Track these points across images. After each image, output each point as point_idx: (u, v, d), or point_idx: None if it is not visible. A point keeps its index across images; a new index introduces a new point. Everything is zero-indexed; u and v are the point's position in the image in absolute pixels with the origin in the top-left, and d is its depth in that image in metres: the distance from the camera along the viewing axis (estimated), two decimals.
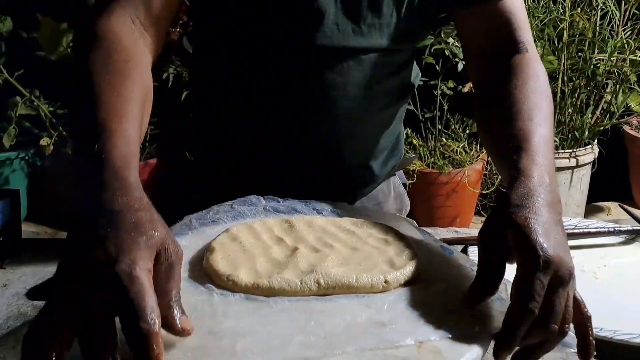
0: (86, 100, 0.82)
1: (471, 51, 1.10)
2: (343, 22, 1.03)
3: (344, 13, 1.03)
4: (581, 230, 1.17)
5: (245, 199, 1.00)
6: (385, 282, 0.79)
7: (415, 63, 1.21)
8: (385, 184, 1.27)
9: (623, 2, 2.83)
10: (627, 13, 2.87)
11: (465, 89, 2.85)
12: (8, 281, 0.96)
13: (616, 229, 1.18)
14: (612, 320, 0.90)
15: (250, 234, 0.89)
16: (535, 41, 1.52)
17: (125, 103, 0.82)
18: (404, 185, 1.35)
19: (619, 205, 1.44)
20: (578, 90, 2.88)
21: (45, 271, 0.98)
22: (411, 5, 1.06)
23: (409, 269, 0.81)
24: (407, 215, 1.32)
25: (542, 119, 0.92)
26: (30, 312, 0.88)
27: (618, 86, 2.86)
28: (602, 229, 1.18)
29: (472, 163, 2.85)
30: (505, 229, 0.75)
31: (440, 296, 0.78)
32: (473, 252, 1.09)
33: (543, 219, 0.75)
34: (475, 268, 0.79)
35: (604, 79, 2.86)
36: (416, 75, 1.23)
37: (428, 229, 1.12)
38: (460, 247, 1.13)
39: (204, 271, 0.81)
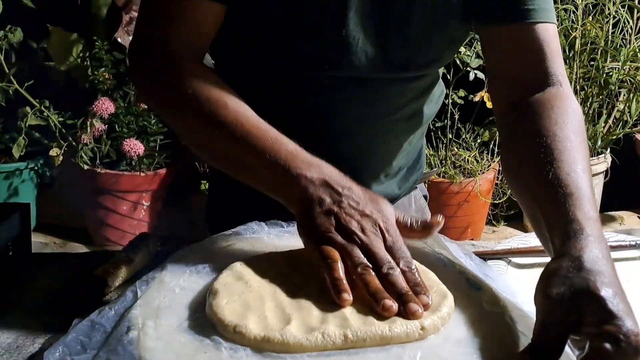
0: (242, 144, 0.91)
1: (498, 78, 1.02)
2: (371, 51, 0.98)
3: (373, 41, 0.98)
4: None
5: (247, 226, 0.93)
6: (422, 329, 0.70)
7: (440, 79, 1.16)
8: (407, 198, 1.24)
9: (635, 10, 2.82)
10: None
11: (476, 98, 2.83)
12: (18, 298, 0.94)
13: (638, 242, 1.15)
14: None
15: (256, 271, 0.81)
16: None
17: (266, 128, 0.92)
18: (425, 197, 1.32)
19: (639, 217, 1.41)
20: (590, 99, 2.86)
21: (55, 287, 0.96)
22: (441, 31, 1.00)
23: (445, 311, 0.73)
24: None
25: (586, 166, 0.85)
26: (41, 331, 0.85)
27: (631, 95, 2.84)
28: (622, 242, 1.15)
29: (483, 172, 2.83)
30: (580, 296, 0.67)
31: (482, 351, 0.69)
32: (493, 266, 1.06)
33: (620, 291, 0.68)
34: (507, 309, 0.75)
35: (617, 87, 2.84)
36: (441, 93, 1.18)
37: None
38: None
39: (207, 319, 0.73)
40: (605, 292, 0.67)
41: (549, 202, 0.80)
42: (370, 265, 0.76)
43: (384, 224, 0.81)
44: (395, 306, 0.72)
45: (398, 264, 0.77)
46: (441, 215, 0.88)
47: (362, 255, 0.77)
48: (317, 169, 0.85)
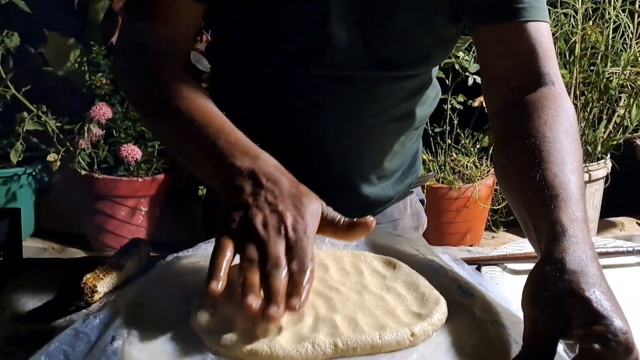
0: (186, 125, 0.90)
1: (491, 79, 1.01)
2: (355, 48, 0.98)
3: (356, 38, 0.97)
4: (599, 250, 1.12)
5: None
6: (412, 335, 0.70)
7: (436, 81, 1.15)
8: (402, 202, 1.23)
9: (636, 15, 2.81)
10: None
11: (475, 104, 2.82)
12: (5, 304, 0.93)
13: (635, 248, 1.14)
14: None
15: None
16: None
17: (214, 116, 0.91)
18: (422, 202, 1.31)
19: (638, 223, 1.40)
20: (591, 104, 2.84)
21: (44, 293, 0.95)
22: (427, 29, 0.99)
23: (437, 317, 0.72)
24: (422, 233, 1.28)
25: (576, 167, 0.83)
26: (28, 337, 0.84)
27: (631, 100, 2.83)
28: (620, 249, 1.14)
29: (482, 178, 2.82)
30: (565, 299, 0.66)
31: (469, 356, 0.69)
32: (488, 272, 1.05)
33: (607, 290, 0.67)
34: (500, 316, 0.74)
35: (617, 92, 2.83)
36: (436, 95, 1.18)
37: (439, 248, 1.09)
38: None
39: (192, 329, 0.72)
40: (590, 293, 0.66)
41: (536, 205, 0.79)
42: (256, 261, 0.74)
43: (293, 221, 0.77)
44: (255, 304, 0.69)
45: (290, 264, 0.74)
46: (372, 217, 0.82)
47: (252, 250, 0.75)
48: (251, 159, 0.83)
